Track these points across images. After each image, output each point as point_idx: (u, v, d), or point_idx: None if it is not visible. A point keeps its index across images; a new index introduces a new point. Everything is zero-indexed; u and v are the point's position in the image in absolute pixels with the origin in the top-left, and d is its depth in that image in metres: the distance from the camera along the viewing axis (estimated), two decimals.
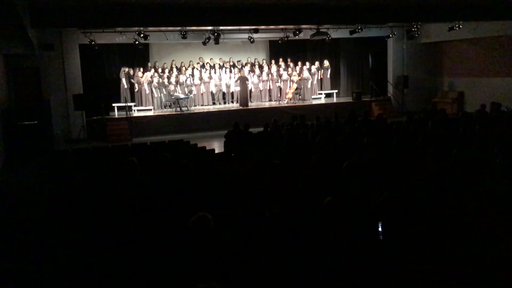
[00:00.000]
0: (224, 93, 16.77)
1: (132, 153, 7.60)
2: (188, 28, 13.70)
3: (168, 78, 15.63)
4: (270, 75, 16.73)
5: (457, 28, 14.22)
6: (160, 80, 15.46)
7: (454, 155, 5.54)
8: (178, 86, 15.45)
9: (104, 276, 3.32)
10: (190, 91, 15.76)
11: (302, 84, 16.63)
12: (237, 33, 15.12)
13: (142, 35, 13.11)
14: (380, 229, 3.56)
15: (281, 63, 17.06)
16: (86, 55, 14.46)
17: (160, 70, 15.97)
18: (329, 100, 17.31)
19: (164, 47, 16.66)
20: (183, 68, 16.24)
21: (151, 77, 15.40)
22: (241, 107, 15.66)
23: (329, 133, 8.25)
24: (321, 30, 15.11)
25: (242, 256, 3.19)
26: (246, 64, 16.90)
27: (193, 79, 16.01)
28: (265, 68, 16.70)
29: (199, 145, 9.16)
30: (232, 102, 16.82)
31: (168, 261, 3.26)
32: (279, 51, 17.55)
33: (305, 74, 16.86)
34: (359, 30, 14.59)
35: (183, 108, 15.05)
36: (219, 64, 16.71)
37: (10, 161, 11.03)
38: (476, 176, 4.95)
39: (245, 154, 6.72)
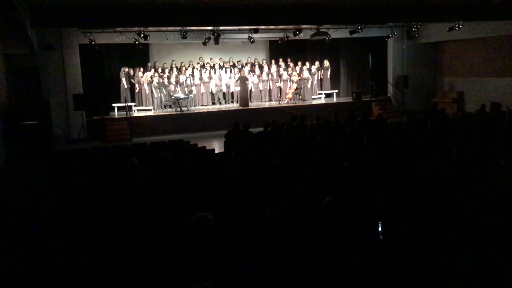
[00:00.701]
0: (224, 93, 16.77)
1: (132, 153, 7.60)
2: (188, 28, 13.70)
3: (168, 78, 15.63)
4: (270, 75, 16.73)
5: (457, 28, 14.23)
6: (160, 80, 15.46)
7: (454, 155, 5.54)
8: (178, 86, 15.45)
9: (104, 276, 3.32)
10: (190, 91, 15.77)
11: (302, 84, 16.63)
12: (237, 33, 15.12)
13: (142, 35, 13.12)
14: (380, 229, 3.56)
15: (281, 63, 17.06)
16: (86, 55, 14.46)
17: (160, 70, 15.96)
18: (329, 100, 17.31)
19: (164, 47, 16.66)
20: (183, 68, 16.24)
21: (151, 77, 15.40)
22: (241, 107, 15.66)
23: (329, 133, 8.24)
24: (321, 30, 15.11)
25: (242, 256, 3.19)
26: (246, 64, 16.90)
27: (193, 79, 16.01)
28: (265, 68, 16.70)
29: (199, 145, 9.16)
30: (232, 102, 16.82)
31: (168, 261, 3.26)
32: (279, 51, 17.54)
33: (305, 74, 16.86)
34: (359, 30, 14.59)
35: (183, 108, 15.05)
36: (219, 64, 16.71)
37: (10, 161, 11.03)
38: (476, 176, 4.95)
39: (245, 154, 6.71)
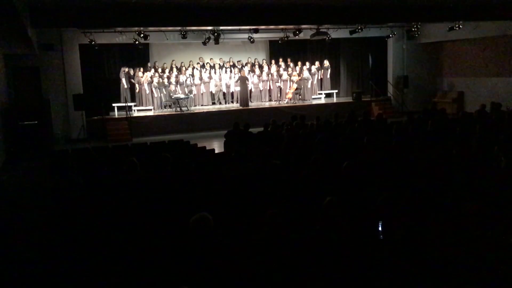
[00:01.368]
0: (224, 93, 16.77)
1: (132, 153, 7.60)
2: (188, 28, 13.71)
3: (168, 78, 15.62)
4: (270, 75, 16.72)
5: (457, 28, 14.22)
6: (160, 80, 15.46)
7: (454, 155, 5.54)
8: (178, 86, 15.44)
9: (104, 276, 3.32)
10: (190, 91, 15.76)
11: (302, 84, 16.63)
12: (237, 33, 15.12)
13: (142, 35, 13.12)
14: (380, 229, 3.56)
15: (281, 63, 17.06)
16: (86, 55, 14.46)
17: (160, 70, 15.96)
18: (329, 100, 17.31)
19: (164, 47, 16.65)
20: (183, 68, 16.23)
21: (151, 77, 15.40)
22: (241, 107, 15.66)
23: (329, 133, 8.24)
24: (321, 30, 15.11)
25: (242, 256, 3.19)
26: (246, 64, 16.89)
27: (193, 79, 16.01)
28: (265, 68, 16.69)
29: (199, 145, 9.16)
30: (232, 102, 16.81)
31: (168, 261, 3.26)
32: (279, 51, 17.54)
33: (305, 74, 16.85)
34: (359, 30, 14.59)
35: (183, 108, 15.05)
36: (219, 64, 16.71)
37: (10, 161, 11.03)
38: (476, 176, 4.94)
39: (245, 154, 6.71)
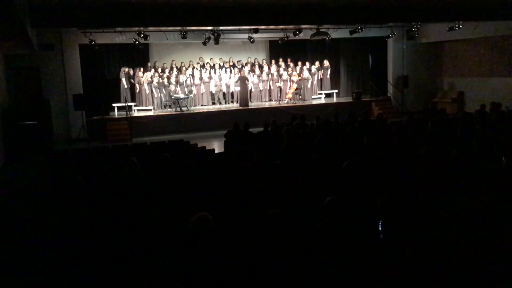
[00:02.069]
0: (224, 93, 16.77)
1: (132, 153, 7.60)
2: (188, 28, 13.70)
3: (168, 78, 15.62)
4: (270, 75, 16.72)
5: (457, 28, 14.23)
6: (160, 80, 15.46)
7: (454, 155, 5.54)
8: (178, 86, 15.44)
9: (104, 275, 3.32)
10: (190, 91, 15.76)
11: (302, 84, 16.63)
12: (237, 33, 15.12)
13: (142, 35, 13.12)
14: (380, 228, 3.56)
15: (281, 63, 17.06)
16: (86, 55, 14.45)
17: (160, 70, 15.96)
18: (329, 100, 17.31)
19: (164, 47, 16.66)
20: (183, 68, 16.23)
21: (151, 77, 15.40)
22: (241, 107, 15.66)
23: (329, 133, 8.24)
24: (321, 30, 15.10)
25: (243, 256, 3.19)
26: (246, 64, 16.90)
27: (193, 79, 16.01)
28: (265, 68, 16.69)
29: (199, 145, 9.16)
30: (232, 102, 16.82)
31: (168, 261, 3.26)
32: (279, 51, 17.54)
33: (305, 74, 16.86)
34: (359, 30, 14.59)
35: (183, 108, 15.05)
36: (219, 64, 16.71)
37: (10, 161, 11.03)
38: (476, 176, 4.94)
39: (245, 154, 6.71)
